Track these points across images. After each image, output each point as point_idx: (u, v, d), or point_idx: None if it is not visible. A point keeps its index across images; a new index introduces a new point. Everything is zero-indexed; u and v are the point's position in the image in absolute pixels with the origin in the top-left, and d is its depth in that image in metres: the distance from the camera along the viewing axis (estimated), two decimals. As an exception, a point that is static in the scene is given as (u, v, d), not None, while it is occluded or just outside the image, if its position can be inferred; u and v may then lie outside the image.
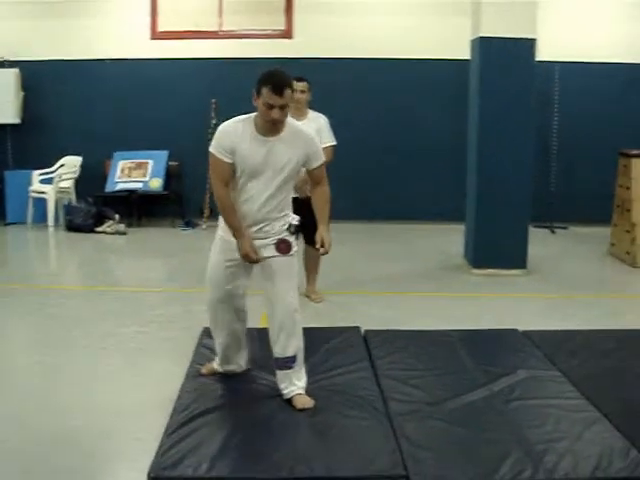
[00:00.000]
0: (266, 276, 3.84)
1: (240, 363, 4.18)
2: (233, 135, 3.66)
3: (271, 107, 3.56)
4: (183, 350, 4.60)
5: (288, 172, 3.76)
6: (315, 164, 3.85)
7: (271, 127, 3.65)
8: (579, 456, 3.32)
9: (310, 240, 6.05)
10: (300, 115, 5.84)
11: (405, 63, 9.62)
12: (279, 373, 3.91)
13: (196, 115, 9.52)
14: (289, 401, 3.85)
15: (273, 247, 3.79)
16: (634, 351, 4.85)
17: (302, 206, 5.71)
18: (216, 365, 4.18)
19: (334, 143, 5.93)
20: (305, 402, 3.84)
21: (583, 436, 3.53)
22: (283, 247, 3.80)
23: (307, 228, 6.02)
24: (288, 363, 3.86)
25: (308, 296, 6.09)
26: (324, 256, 5.89)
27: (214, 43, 9.70)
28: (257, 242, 3.78)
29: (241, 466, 3.24)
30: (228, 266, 3.86)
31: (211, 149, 3.73)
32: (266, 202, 3.74)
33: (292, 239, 3.85)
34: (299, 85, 5.82)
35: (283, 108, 3.60)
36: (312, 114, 5.92)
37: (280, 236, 3.80)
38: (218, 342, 4.09)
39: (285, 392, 3.88)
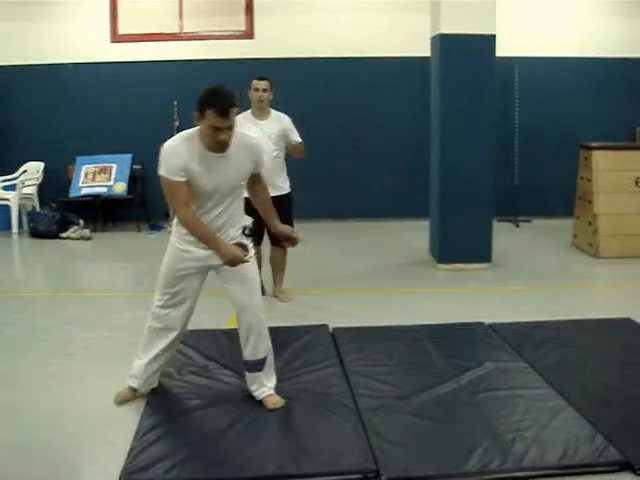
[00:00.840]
0: (228, 281, 3.84)
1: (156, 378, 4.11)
2: (182, 154, 3.58)
3: (218, 129, 3.51)
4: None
5: (241, 184, 3.77)
6: (259, 169, 3.86)
7: (220, 147, 3.59)
8: (546, 444, 3.39)
9: (274, 239, 6.08)
10: (262, 115, 5.85)
11: (367, 61, 9.66)
12: (249, 375, 3.92)
13: (159, 118, 9.47)
14: (260, 402, 3.87)
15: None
16: (598, 340, 4.94)
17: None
18: (136, 384, 4.03)
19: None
20: (276, 402, 3.86)
21: (550, 425, 3.59)
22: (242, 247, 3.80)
23: (269, 228, 6.05)
24: (258, 366, 3.88)
25: (276, 296, 6.10)
26: (292, 255, 5.99)
27: (175, 45, 9.66)
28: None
29: (212, 468, 3.25)
30: (181, 275, 3.84)
31: (163, 173, 3.62)
32: (220, 214, 3.73)
33: (248, 241, 3.84)
34: (261, 84, 5.83)
35: (231, 129, 3.55)
36: (274, 113, 5.92)
37: (236, 240, 3.79)
38: (152, 354, 3.98)
39: (256, 394, 3.90)
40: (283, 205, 5.84)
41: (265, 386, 3.91)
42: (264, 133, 5.67)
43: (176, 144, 3.63)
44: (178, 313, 3.88)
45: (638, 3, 9.83)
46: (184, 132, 3.70)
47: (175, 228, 3.88)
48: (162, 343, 3.94)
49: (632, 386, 4.12)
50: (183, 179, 3.58)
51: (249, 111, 5.87)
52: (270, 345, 3.92)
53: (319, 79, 9.62)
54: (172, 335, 3.92)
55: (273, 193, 5.77)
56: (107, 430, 3.67)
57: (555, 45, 9.77)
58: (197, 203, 3.69)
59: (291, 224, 5.92)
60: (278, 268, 6.14)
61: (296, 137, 5.90)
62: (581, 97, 9.91)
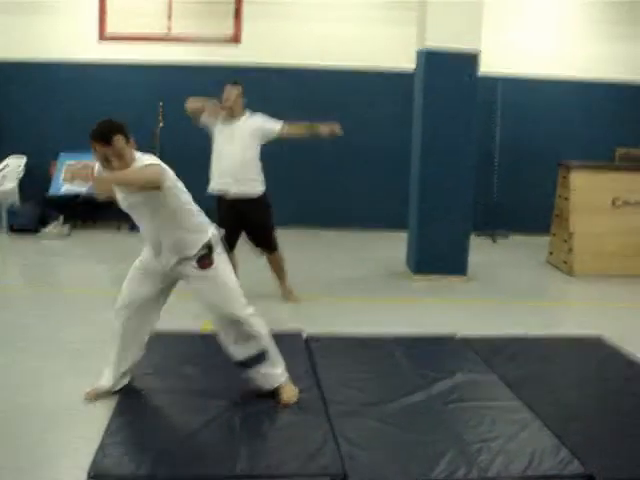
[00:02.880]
0: (197, 295, 3.92)
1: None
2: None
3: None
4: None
5: (152, 210, 3.84)
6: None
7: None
8: (512, 455, 3.44)
9: (259, 246, 6.13)
10: (234, 117, 5.90)
11: (352, 71, 9.73)
12: (251, 372, 3.96)
13: (143, 118, 9.47)
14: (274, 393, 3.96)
15: (195, 265, 3.83)
16: (568, 357, 5.02)
17: (236, 209, 5.78)
18: (108, 382, 4.06)
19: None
20: (290, 397, 3.96)
21: (516, 436, 3.65)
22: (205, 263, 3.84)
23: (252, 233, 6.11)
24: (253, 362, 3.92)
25: (286, 299, 6.16)
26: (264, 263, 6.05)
27: (162, 46, 9.67)
28: (179, 267, 3.85)
29: (182, 465, 3.27)
30: (142, 276, 3.98)
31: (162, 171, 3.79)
32: (162, 240, 3.86)
33: (214, 252, 3.87)
34: (232, 89, 5.90)
35: (109, 159, 3.73)
36: (247, 115, 5.98)
37: (201, 253, 3.84)
38: (129, 352, 4.05)
39: (268, 384, 3.97)
40: (257, 207, 5.90)
41: (275, 373, 3.97)
42: (235, 134, 5.83)
43: None
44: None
45: (622, 27, 9.97)
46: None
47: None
48: (119, 341, 4.03)
49: (598, 402, 4.21)
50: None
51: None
52: (266, 341, 3.95)
53: (303, 87, 9.67)
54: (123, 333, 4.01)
55: (243, 190, 5.86)
56: (79, 426, 3.69)
57: (538, 65, 9.89)
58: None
59: (268, 229, 6.01)
60: (277, 270, 6.20)
61: (275, 125, 5.94)
62: (562, 117, 10.03)
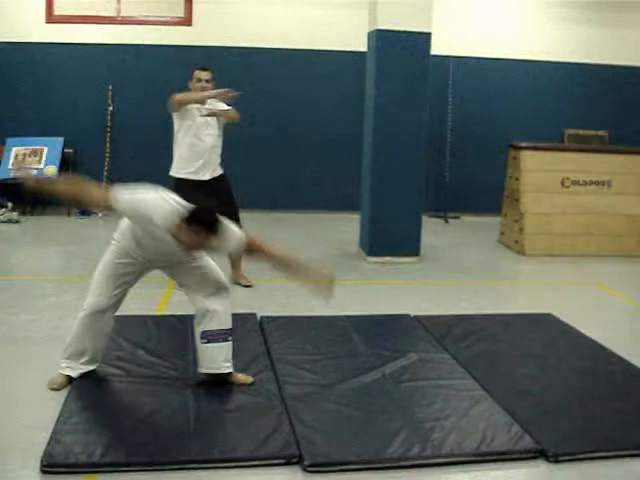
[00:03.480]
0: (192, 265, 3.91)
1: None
2: None
3: None
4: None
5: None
6: None
7: None
8: (465, 432, 3.49)
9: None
10: (206, 103, 5.86)
11: (304, 53, 9.69)
12: (211, 347, 3.91)
13: (92, 101, 9.37)
14: (227, 376, 3.93)
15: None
16: (519, 333, 5.09)
17: (213, 191, 5.74)
18: (72, 371, 3.98)
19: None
20: (247, 378, 3.99)
21: (469, 414, 3.70)
22: None
23: (224, 211, 6.03)
24: (224, 335, 3.92)
25: (238, 282, 6.12)
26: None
27: (112, 29, 9.51)
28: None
29: (135, 451, 3.25)
30: (123, 273, 3.86)
31: None
32: None
33: None
34: (204, 74, 5.86)
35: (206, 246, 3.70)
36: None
37: None
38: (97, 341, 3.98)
39: (223, 368, 3.93)
40: (227, 182, 5.98)
41: (231, 360, 3.95)
42: (208, 121, 5.83)
43: None
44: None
45: (573, 9, 10.08)
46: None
47: (119, 226, 3.93)
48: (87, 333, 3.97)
49: (549, 377, 4.27)
50: None
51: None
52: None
53: (256, 69, 9.61)
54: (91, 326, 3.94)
55: (218, 173, 5.88)
56: (30, 414, 3.64)
57: (490, 46, 9.97)
58: None
59: (236, 204, 6.01)
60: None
61: (222, 105, 5.93)
62: (513, 98, 10.14)
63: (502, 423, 3.58)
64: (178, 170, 5.89)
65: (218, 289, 3.92)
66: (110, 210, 3.64)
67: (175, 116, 5.83)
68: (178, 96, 5.72)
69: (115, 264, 3.84)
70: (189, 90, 5.86)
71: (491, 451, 3.35)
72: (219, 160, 6.00)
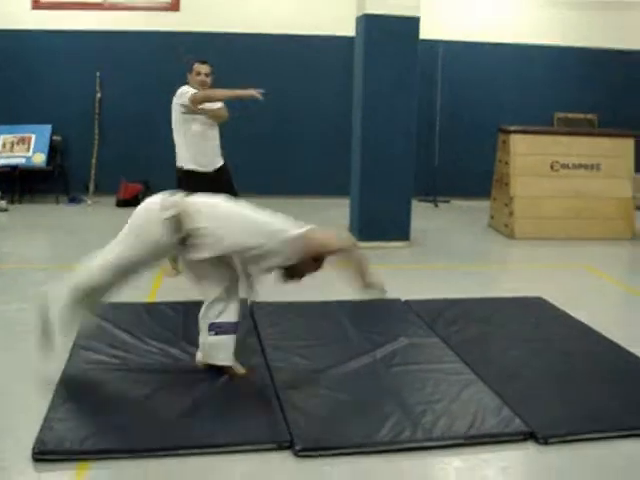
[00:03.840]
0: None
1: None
2: None
3: None
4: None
5: None
6: None
7: None
8: (455, 416, 3.51)
9: None
10: None
11: (293, 39, 9.65)
12: (220, 339, 3.88)
13: (81, 89, 9.31)
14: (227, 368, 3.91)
15: None
16: (510, 317, 5.11)
17: (215, 182, 5.74)
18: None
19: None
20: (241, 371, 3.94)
21: (459, 397, 3.72)
22: None
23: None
24: (234, 327, 3.91)
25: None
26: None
27: (98, 14, 9.45)
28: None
29: (127, 438, 3.25)
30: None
31: None
32: None
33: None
34: (204, 68, 5.87)
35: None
36: None
37: None
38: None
39: (227, 361, 3.91)
40: (230, 174, 6.04)
41: (233, 353, 3.94)
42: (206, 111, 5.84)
43: None
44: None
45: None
46: None
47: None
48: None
49: (539, 360, 4.29)
50: None
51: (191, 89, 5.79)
52: None
53: (244, 55, 9.57)
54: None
55: (220, 163, 5.89)
56: (23, 401, 3.64)
57: (479, 30, 9.96)
58: None
59: (235, 194, 6.02)
60: None
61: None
62: (502, 82, 10.14)
63: (492, 406, 3.60)
64: (187, 162, 5.87)
65: (232, 282, 3.89)
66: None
67: (185, 110, 5.78)
68: (202, 94, 5.68)
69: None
70: (187, 83, 5.83)
71: (481, 434, 3.37)
72: (220, 151, 6.01)
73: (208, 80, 5.86)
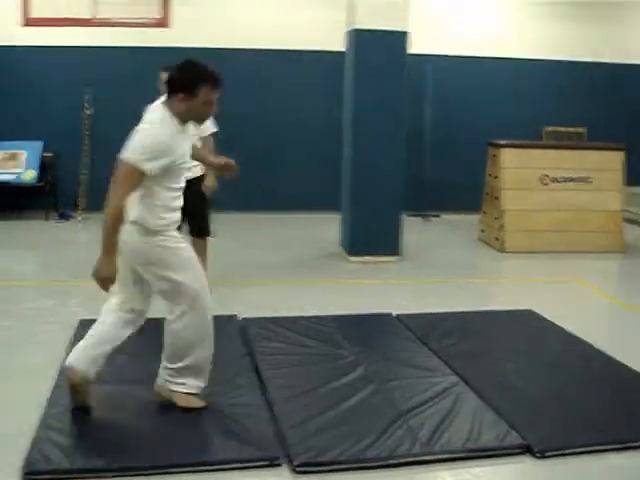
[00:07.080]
0: None
1: None
2: (167, 136, 3.43)
3: (212, 103, 3.59)
4: (55, 344, 4.49)
5: None
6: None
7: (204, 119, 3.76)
8: (452, 429, 3.49)
9: (194, 231, 6.04)
10: None
11: (283, 54, 9.66)
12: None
13: (71, 105, 9.27)
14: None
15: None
16: (502, 330, 5.10)
17: (189, 191, 5.68)
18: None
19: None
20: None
21: (455, 411, 3.70)
22: None
23: (192, 217, 6.00)
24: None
25: None
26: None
27: (88, 31, 9.43)
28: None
29: (116, 456, 3.21)
30: None
31: (137, 157, 3.32)
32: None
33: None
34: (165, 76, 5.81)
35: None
36: None
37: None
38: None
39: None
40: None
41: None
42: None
43: (161, 128, 3.44)
44: None
45: (552, 7, 10.14)
46: (155, 116, 3.53)
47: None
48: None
49: (533, 373, 4.28)
50: (153, 167, 3.32)
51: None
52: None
53: (235, 70, 9.54)
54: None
55: (198, 173, 5.83)
56: (10, 420, 3.58)
57: (468, 45, 9.99)
58: (174, 186, 3.54)
59: (204, 208, 5.97)
60: (202, 254, 6.12)
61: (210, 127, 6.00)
62: (492, 96, 10.17)
63: (488, 420, 3.58)
64: None
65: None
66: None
67: None
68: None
69: None
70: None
71: (479, 447, 3.34)
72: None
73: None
